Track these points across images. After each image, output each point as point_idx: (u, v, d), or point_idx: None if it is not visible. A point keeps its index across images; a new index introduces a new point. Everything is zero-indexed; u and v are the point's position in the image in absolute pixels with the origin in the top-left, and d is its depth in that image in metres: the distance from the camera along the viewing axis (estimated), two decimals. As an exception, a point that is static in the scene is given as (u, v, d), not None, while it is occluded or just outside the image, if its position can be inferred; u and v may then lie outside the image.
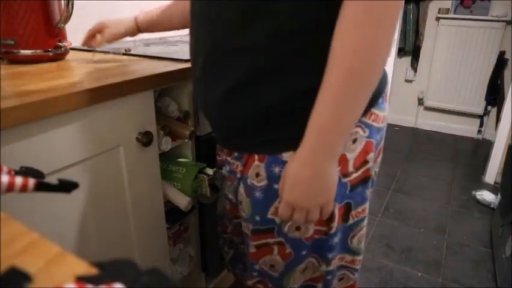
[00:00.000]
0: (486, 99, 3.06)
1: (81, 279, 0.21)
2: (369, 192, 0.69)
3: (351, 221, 0.68)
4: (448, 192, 2.31)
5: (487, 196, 2.18)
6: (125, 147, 0.79)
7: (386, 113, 0.68)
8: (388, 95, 0.73)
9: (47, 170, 0.64)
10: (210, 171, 1.00)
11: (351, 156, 0.62)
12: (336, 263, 0.73)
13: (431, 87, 3.25)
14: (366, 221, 0.72)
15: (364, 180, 0.66)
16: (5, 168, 0.35)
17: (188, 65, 0.91)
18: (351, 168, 0.63)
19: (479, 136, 3.21)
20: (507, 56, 2.95)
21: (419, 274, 1.61)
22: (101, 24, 0.96)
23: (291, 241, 0.69)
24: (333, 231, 0.66)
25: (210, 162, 1.02)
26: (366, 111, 0.62)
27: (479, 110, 3.13)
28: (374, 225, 1.95)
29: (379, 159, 0.71)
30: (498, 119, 2.69)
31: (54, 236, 0.70)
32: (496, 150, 2.38)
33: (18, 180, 0.35)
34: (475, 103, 3.13)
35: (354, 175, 0.63)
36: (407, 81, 3.40)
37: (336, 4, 0.50)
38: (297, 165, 0.55)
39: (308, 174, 0.54)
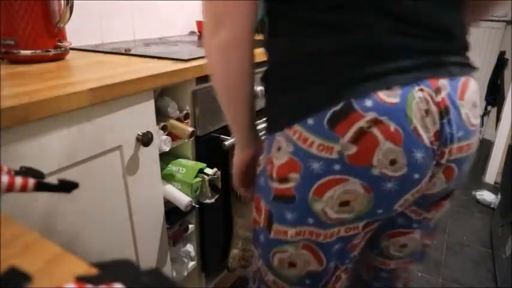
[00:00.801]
0: (486, 99, 3.06)
1: (81, 279, 0.21)
2: (290, 216, 0.57)
3: (272, 235, 0.61)
4: (448, 192, 2.31)
5: (487, 196, 2.18)
6: (125, 147, 0.79)
7: (329, 143, 0.49)
8: (352, 130, 0.47)
9: (47, 170, 0.64)
10: (210, 171, 1.00)
11: (276, 163, 0.57)
12: (263, 272, 0.67)
13: (431, 87, 3.25)
14: (289, 248, 0.60)
15: (283, 198, 0.57)
16: (5, 168, 0.35)
17: (188, 65, 0.91)
18: (274, 174, 0.57)
19: (479, 136, 3.21)
20: (507, 56, 2.95)
21: (419, 274, 1.61)
22: None
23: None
24: (260, 225, 0.64)
25: (210, 162, 1.02)
26: (287, 122, 0.53)
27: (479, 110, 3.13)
28: (374, 225, 1.94)
29: (327, 194, 0.52)
30: (498, 119, 2.69)
31: (54, 236, 0.70)
32: (496, 150, 2.38)
33: (18, 180, 0.35)
34: (475, 103, 3.13)
35: (275, 185, 0.57)
36: (407, 81, 3.39)
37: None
38: None
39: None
